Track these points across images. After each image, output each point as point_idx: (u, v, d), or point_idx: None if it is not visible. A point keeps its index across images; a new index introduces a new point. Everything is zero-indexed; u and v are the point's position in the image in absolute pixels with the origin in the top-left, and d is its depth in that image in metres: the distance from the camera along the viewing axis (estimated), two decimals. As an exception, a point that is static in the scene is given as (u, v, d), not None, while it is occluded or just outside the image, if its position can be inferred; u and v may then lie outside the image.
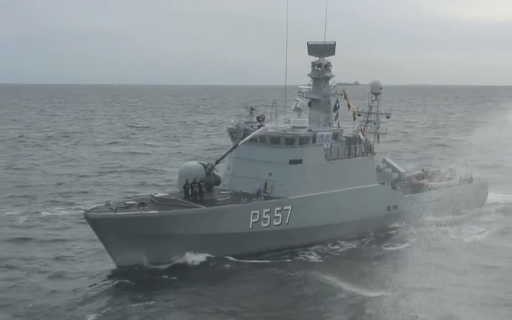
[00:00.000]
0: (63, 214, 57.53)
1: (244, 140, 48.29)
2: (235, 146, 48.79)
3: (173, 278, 41.06)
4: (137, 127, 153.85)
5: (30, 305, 36.08)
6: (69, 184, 72.79)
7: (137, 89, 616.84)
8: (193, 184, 45.73)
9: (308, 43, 54.00)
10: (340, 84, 54.79)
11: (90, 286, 39.60)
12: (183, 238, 42.70)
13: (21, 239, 49.38)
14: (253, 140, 48.64)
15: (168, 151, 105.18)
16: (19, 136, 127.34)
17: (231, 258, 43.92)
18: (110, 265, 42.65)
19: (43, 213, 57.56)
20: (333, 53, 54.31)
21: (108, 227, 41.34)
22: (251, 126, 49.84)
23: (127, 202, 44.40)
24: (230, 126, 51.62)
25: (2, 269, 42.42)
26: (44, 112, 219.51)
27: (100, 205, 44.20)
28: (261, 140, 48.83)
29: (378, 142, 55.71)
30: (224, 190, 48.61)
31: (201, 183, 45.86)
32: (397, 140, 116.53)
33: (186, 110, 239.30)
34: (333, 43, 53.82)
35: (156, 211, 42.49)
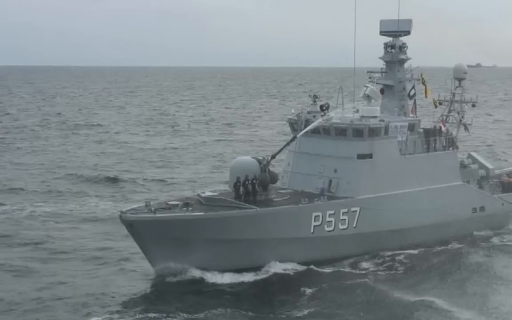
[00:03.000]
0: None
1: (303, 132, 43.58)
2: (293, 139, 44.23)
3: (215, 289, 37.24)
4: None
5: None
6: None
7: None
8: (245, 182, 41.00)
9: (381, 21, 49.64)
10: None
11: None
12: (233, 245, 38.69)
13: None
14: (316, 132, 44.28)
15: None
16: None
17: (289, 266, 39.87)
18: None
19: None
20: (409, 33, 49.19)
21: (145, 231, 37.68)
22: (314, 117, 45.19)
23: (170, 202, 40.67)
24: (290, 117, 46.93)
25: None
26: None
27: (140, 205, 40.62)
28: (325, 131, 44.36)
29: (469, 133, 51.36)
30: (283, 189, 44.37)
31: (254, 181, 41.07)
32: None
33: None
34: (409, 20, 49.01)
35: (201, 213, 38.42)
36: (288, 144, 44.59)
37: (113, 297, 35.03)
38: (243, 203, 39.89)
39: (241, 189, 41.16)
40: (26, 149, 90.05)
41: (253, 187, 41.16)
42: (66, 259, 42.07)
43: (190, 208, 39.10)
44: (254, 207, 39.47)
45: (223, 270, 38.15)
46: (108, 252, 43.50)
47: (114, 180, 67.12)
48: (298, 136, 43.73)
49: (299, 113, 46.00)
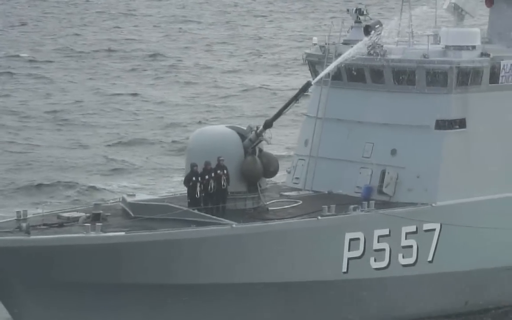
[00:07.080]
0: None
1: (325, 72, 28.06)
2: (305, 87, 28.17)
3: None
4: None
5: None
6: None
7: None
8: (204, 175, 26.70)
9: None
10: None
11: None
12: (184, 300, 26.62)
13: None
14: (357, 79, 30.27)
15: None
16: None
17: None
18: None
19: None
20: None
21: (8, 268, 26.27)
22: None
23: (64, 215, 27.59)
24: (309, 51, 31.98)
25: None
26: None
27: (5, 220, 27.74)
28: (374, 77, 30.16)
29: None
30: (293, 189, 30.83)
31: (219, 172, 26.89)
32: None
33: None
34: None
35: (121, 233, 26.60)
36: (296, 98, 28.16)
37: None
38: (205, 215, 26.46)
39: (198, 187, 26.58)
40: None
41: (223, 183, 26.87)
42: None
43: (99, 224, 25.90)
44: (226, 221, 26.39)
45: None
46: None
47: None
48: (313, 82, 28.00)
49: (327, 44, 30.64)
